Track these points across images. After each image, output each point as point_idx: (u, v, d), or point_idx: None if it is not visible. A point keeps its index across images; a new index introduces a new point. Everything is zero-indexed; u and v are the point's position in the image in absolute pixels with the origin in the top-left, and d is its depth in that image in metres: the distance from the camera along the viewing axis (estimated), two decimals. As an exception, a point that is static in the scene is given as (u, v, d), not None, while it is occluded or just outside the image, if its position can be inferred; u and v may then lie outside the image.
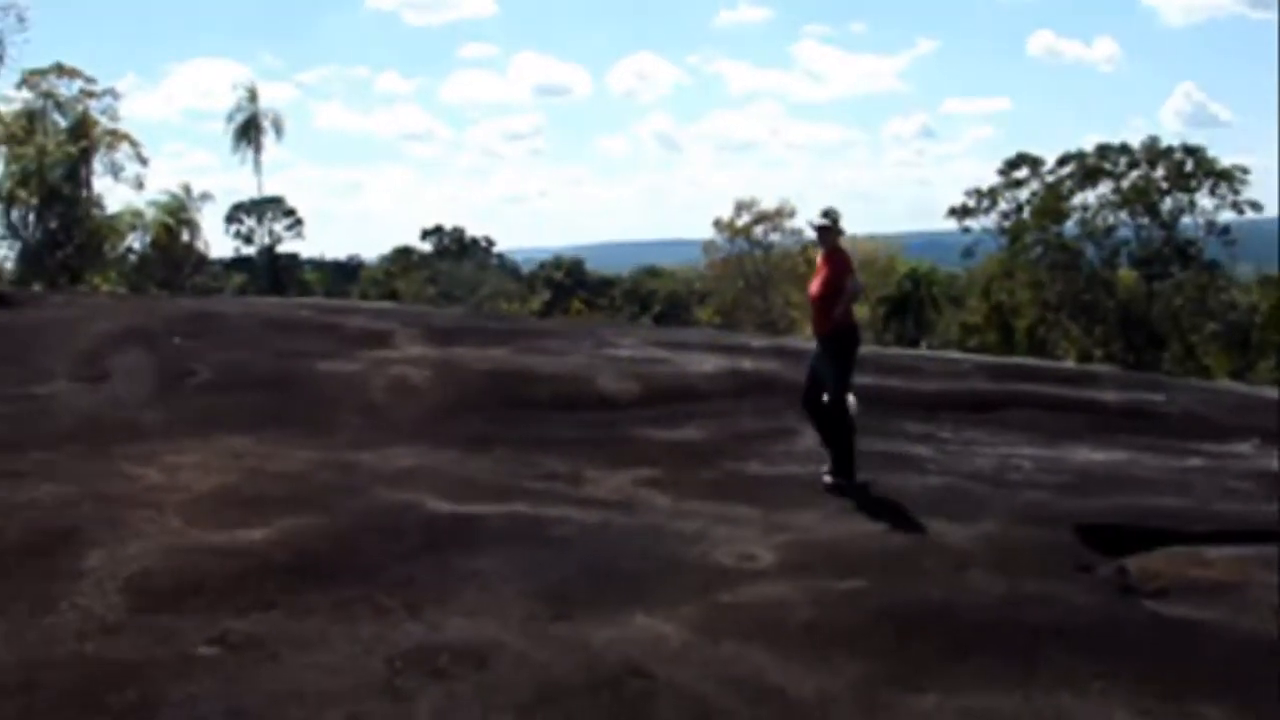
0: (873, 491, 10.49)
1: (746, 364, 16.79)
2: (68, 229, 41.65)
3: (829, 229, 10.99)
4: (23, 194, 40.38)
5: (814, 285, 11.00)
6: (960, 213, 65.46)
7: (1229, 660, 7.05)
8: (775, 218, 69.77)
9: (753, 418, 13.09)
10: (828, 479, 10.69)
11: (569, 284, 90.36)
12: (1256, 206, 59.35)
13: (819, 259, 11.21)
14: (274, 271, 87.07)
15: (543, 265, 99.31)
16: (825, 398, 10.83)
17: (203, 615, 7.31)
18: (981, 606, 7.75)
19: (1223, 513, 10.21)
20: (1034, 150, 65.81)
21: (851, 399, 10.91)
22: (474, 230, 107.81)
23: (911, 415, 14.15)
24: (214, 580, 7.91)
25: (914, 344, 53.93)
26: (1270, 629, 7.51)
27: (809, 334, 11.90)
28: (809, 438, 11.25)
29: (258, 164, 77.00)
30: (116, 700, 6.13)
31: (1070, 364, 35.78)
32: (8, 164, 39.84)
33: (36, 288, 37.07)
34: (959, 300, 67.47)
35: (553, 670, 6.58)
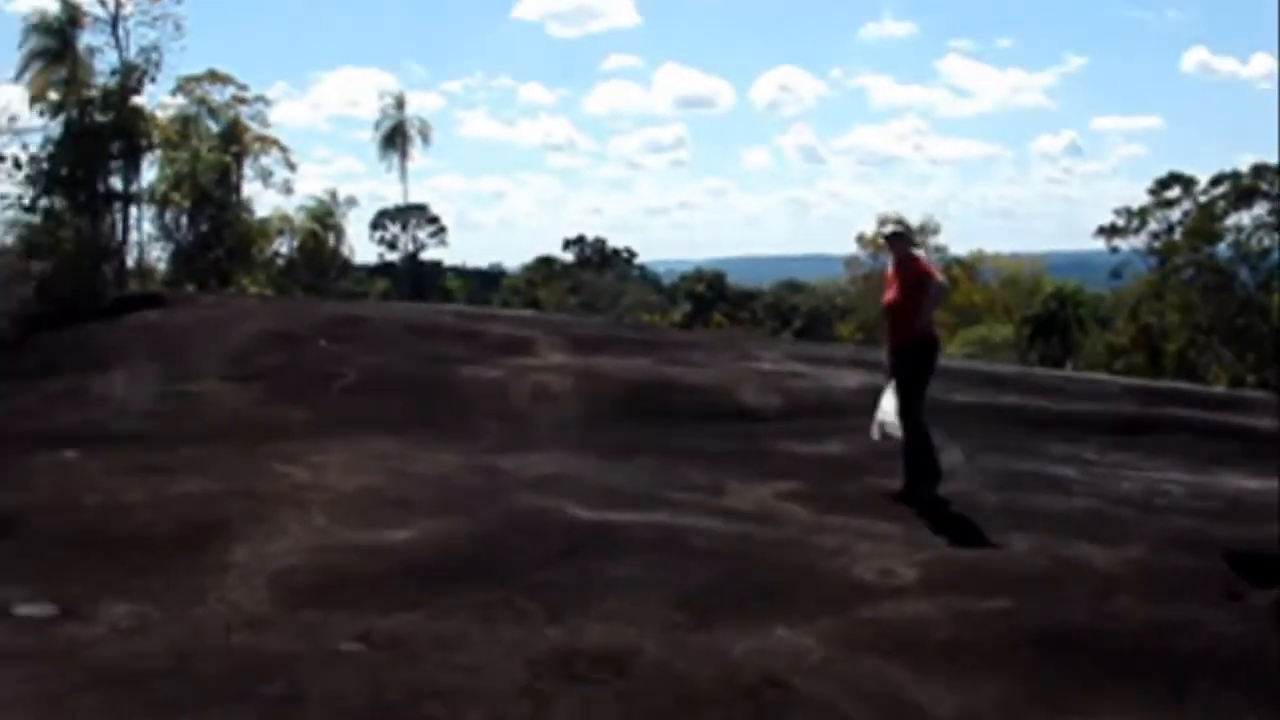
0: (1016, 510, 10.31)
1: (888, 380, 16.63)
2: (218, 232, 42.42)
3: (901, 236, 10.98)
4: (176, 197, 41.24)
5: (890, 294, 10.87)
6: (1109, 232, 64.18)
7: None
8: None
9: (895, 434, 12.97)
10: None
11: (710, 296, 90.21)
12: None
13: (890, 269, 11.10)
14: (417, 278, 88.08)
15: (684, 277, 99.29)
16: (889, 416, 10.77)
17: (347, 612, 7.44)
18: (1128, 632, 7.56)
19: (1383, 545, 9.87)
20: (1186, 169, 64.38)
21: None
22: (615, 241, 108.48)
23: (1057, 436, 13.92)
24: (358, 579, 8.05)
25: (1059, 364, 53.13)
26: None
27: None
28: (952, 455, 11.09)
29: (403, 171, 78.13)
30: (265, 691, 6.25)
31: (1221, 389, 34.95)
32: (162, 168, 40.75)
33: (189, 289, 37.92)
34: (1106, 321, 66.07)
35: (691, 679, 6.56)
